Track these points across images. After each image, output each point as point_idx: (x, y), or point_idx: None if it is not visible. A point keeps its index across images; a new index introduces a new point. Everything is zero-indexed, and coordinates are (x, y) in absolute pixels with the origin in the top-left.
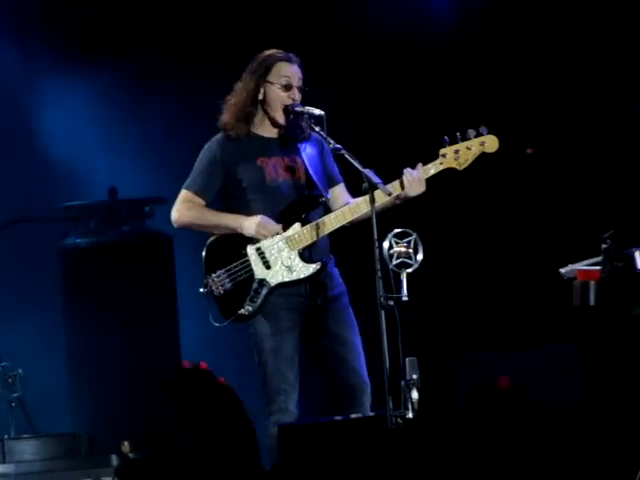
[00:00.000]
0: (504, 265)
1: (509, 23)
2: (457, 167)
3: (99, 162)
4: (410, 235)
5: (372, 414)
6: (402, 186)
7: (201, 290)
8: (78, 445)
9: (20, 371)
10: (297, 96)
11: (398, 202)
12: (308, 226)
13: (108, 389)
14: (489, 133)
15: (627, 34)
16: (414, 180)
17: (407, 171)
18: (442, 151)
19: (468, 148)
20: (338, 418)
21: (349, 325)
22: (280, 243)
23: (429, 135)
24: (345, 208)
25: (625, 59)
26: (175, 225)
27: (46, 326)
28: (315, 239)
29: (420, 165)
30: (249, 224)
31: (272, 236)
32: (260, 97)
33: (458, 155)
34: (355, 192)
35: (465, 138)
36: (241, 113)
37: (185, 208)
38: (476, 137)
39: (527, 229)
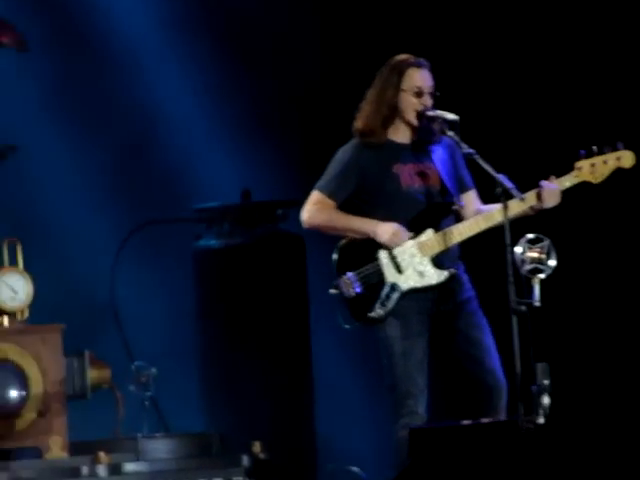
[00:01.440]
0: (635, 271)
1: None
2: (592, 180)
3: (232, 163)
4: (543, 241)
5: (503, 419)
6: (538, 197)
7: (331, 291)
8: (209, 445)
9: (154, 370)
10: (429, 102)
11: (531, 213)
12: (441, 232)
13: (239, 389)
14: (625, 148)
15: None
16: (552, 192)
17: (544, 183)
18: (578, 164)
19: (605, 162)
20: (468, 422)
21: (482, 327)
22: (413, 248)
23: (562, 146)
24: (479, 217)
25: None
26: (304, 226)
27: (179, 326)
28: (448, 246)
29: (554, 178)
30: (383, 231)
31: (406, 242)
32: (394, 104)
33: (594, 169)
34: (485, 199)
35: (601, 152)
36: (380, 122)
37: (316, 210)
38: (612, 152)
39: None
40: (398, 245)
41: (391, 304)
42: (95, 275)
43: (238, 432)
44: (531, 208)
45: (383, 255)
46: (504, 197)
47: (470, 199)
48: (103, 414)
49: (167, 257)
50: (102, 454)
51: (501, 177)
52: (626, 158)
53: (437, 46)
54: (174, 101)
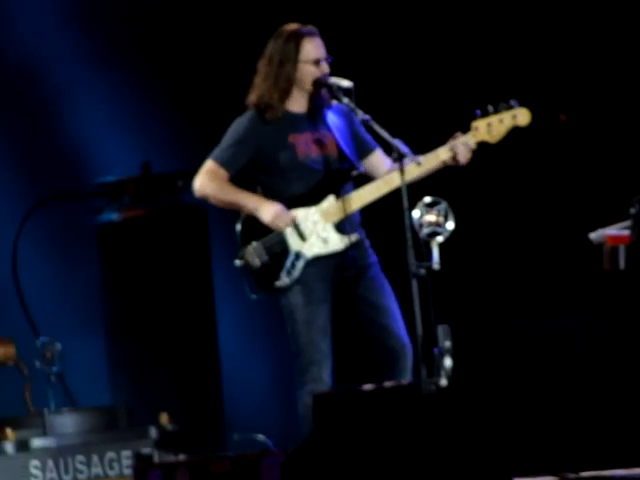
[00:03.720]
0: (535, 231)
1: None
2: (490, 140)
3: (131, 137)
4: (440, 204)
5: (405, 382)
6: (453, 152)
7: (237, 262)
8: (117, 418)
9: (58, 346)
10: (326, 69)
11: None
12: (342, 199)
13: (145, 362)
14: (520, 106)
15: None
16: (467, 147)
17: (459, 137)
18: (474, 124)
19: (500, 121)
20: (371, 386)
21: (384, 292)
22: (315, 216)
23: (457, 107)
24: (380, 181)
25: None
26: (196, 195)
27: (83, 301)
28: (349, 211)
29: (460, 134)
30: (265, 211)
31: (286, 227)
32: (292, 76)
33: (491, 128)
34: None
35: (497, 111)
36: (277, 95)
37: (208, 179)
38: (508, 110)
39: (557, 194)
40: (280, 228)
41: (297, 272)
42: None
43: (145, 405)
44: (443, 163)
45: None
46: (400, 161)
47: (377, 160)
48: (9, 391)
49: (69, 232)
50: (9, 430)
51: (397, 142)
52: (522, 116)
53: (322, 10)
54: (71, 76)
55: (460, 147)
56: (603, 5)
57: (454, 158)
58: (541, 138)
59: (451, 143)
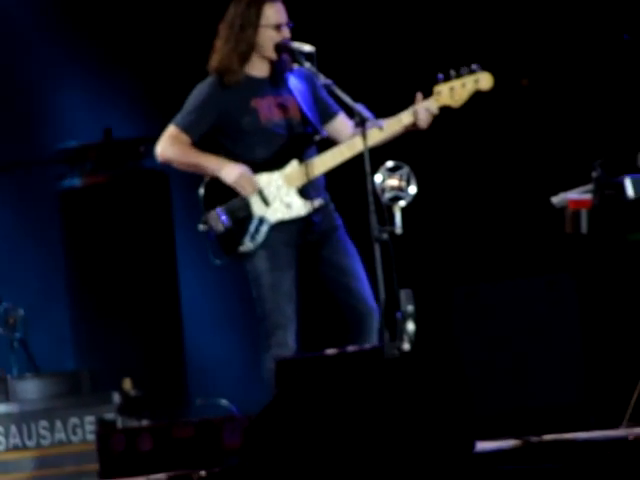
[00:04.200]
0: (497, 195)
1: None
2: (453, 104)
3: (92, 103)
4: (402, 168)
5: (369, 346)
6: (414, 116)
7: (200, 227)
8: (80, 383)
9: (21, 311)
10: (287, 34)
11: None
12: (305, 163)
13: (109, 327)
14: (483, 70)
15: None
16: (429, 112)
17: (421, 102)
18: (436, 88)
19: (463, 85)
20: (334, 351)
21: (350, 254)
22: (279, 181)
23: (419, 71)
24: (342, 146)
25: None
26: (158, 159)
27: (46, 267)
28: (313, 176)
29: (420, 95)
30: (229, 172)
31: (251, 192)
32: (253, 41)
33: (453, 92)
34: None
35: (459, 75)
36: (236, 59)
37: (169, 144)
38: (470, 74)
39: (519, 158)
40: (245, 190)
41: (260, 237)
42: None
43: (108, 370)
44: (405, 128)
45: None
46: (362, 126)
47: (340, 124)
48: None
49: (31, 198)
50: None
51: (359, 107)
52: (485, 80)
53: None
54: (32, 42)
55: (422, 112)
56: None
57: (415, 123)
58: (504, 102)
59: (413, 108)
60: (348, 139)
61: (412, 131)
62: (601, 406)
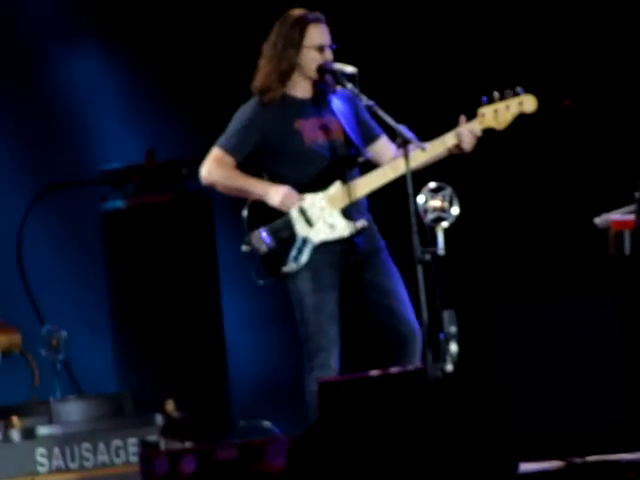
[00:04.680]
0: (540, 216)
1: None
2: (497, 127)
3: (135, 125)
4: (445, 189)
5: (412, 367)
6: (458, 138)
7: (244, 248)
8: (122, 405)
9: (64, 333)
10: (330, 56)
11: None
12: (349, 185)
13: (151, 349)
14: (526, 93)
15: None
16: (472, 134)
17: (464, 124)
18: (481, 110)
19: (507, 107)
20: (377, 372)
21: (392, 276)
22: (322, 201)
23: (463, 94)
24: (386, 167)
25: None
26: (203, 182)
27: (89, 289)
28: (356, 197)
29: (464, 118)
30: (274, 194)
31: (298, 205)
32: (295, 61)
33: (497, 115)
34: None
35: (503, 97)
36: (276, 77)
37: (214, 166)
38: (514, 97)
39: (561, 178)
40: (289, 208)
41: (304, 258)
42: (2, 241)
43: (151, 392)
44: (448, 151)
45: (293, 209)
46: (405, 147)
47: (383, 146)
48: (15, 379)
49: (74, 220)
50: (15, 418)
51: (402, 128)
52: (528, 103)
53: None
54: (76, 65)
55: (465, 134)
56: None
57: (459, 146)
58: (546, 123)
59: (457, 130)
60: (390, 162)
61: (456, 154)
62: None
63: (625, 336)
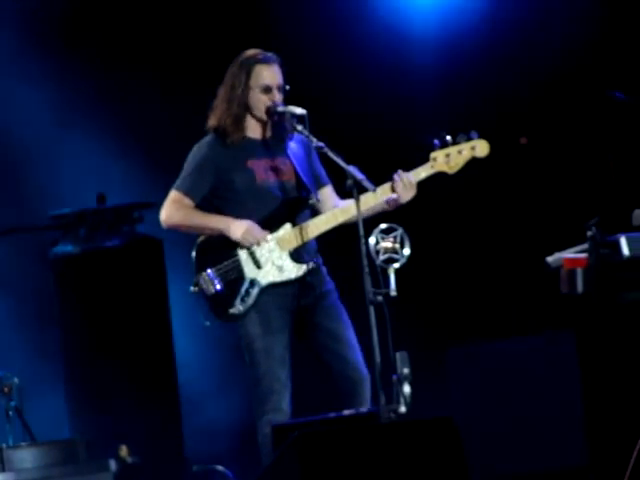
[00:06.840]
0: (491, 256)
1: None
2: (448, 171)
3: (86, 169)
4: (396, 230)
5: (365, 410)
6: (393, 189)
7: (192, 289)
8: (76, 451)
9: (16, 380)
10: (277, 97)
11: (388, 208)
12: (299, 227)
13: (104, 395)
14: (479, 137)
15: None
16: (407, 184)
17: (400, 174)
18: (433, 155)
19: (459, 152)
20: (331, 415)
21: (341, 320)
22: (271, 243)
23: (415, 136)
24: (337, 210)
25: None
26: (163, 225)
27: (40, 334)
28: (305, 240)
29: (402, 172)
30: (236, 228)
31: (258, 243)
32: (244, 102)
33: (449, 159)
34: (340, 192)
35: (456, 142)
36: (231, 121)
37: (174, 209)
38: (467, 141)
39: (513, 218)
40: (251, 243)
41: (251, 299)
42: None
43: (105, 437)
44: (387, 203)
45: (242, 251)
46: (355, 188)
47: (327, 195)
48: None
49: (25, 264)
50: None
51: (352, 169)
52: (481, 147)
53: (286, 39)
54: (27, 110)
55: (399, 186)
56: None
57: (395, 200)
58: (499, 162)
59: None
60: (332, 210)
61: (392, 207)
62: (602, 467)
63: (582, 374)
